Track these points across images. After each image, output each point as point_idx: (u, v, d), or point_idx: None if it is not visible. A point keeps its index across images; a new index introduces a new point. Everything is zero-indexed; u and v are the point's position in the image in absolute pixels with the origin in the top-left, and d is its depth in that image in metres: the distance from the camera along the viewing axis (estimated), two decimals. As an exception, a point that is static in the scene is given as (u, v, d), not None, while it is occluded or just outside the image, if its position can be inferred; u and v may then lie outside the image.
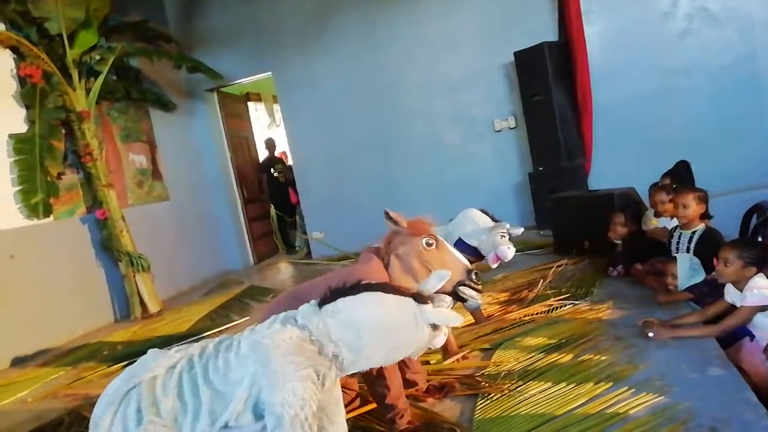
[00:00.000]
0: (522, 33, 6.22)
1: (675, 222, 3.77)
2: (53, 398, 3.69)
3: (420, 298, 1.72)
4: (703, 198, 3.45)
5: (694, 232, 3.42)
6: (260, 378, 1.55)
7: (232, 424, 1.56)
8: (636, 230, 4.14)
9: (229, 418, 1.55)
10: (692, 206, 3.41)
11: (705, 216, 3.50)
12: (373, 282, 1.79)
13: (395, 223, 2.33)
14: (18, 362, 4.75)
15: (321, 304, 1.72)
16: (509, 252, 2.95)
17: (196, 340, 1.90)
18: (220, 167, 8.04)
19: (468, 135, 6.83)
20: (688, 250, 3.42)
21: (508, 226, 2.93)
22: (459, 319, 1.71)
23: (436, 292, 2.19)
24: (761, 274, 2.64)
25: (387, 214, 2.34)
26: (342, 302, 1.69)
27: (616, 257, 4.17)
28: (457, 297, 2.31)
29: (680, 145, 5.84)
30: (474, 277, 2.27)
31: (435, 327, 1.71)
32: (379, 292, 1.70)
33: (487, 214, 3.13)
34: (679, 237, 3.50)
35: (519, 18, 6.36)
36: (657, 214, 4.14)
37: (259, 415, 1.55)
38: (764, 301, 2.58)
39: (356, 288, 1.72)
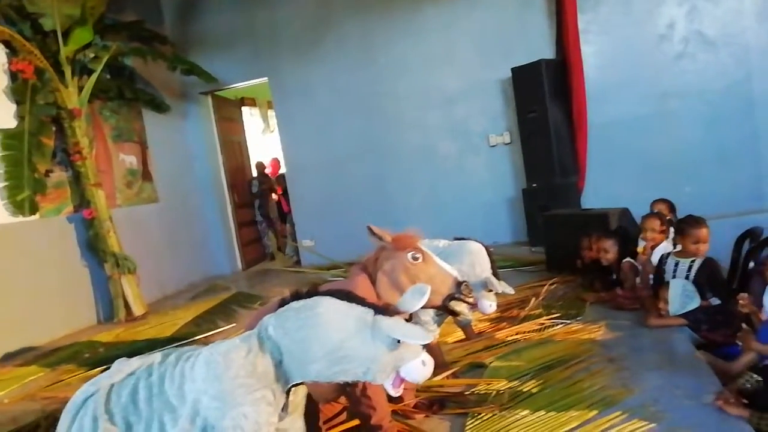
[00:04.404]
0: (519, 49, 6.23)
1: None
2: (30, 400, 3.59)
3: (386, 312, 1.58)
4: None
5: (693, 261, 3.31)
6: (209, 400, 1.50)
7: None
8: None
9: None
10: (708, 241, 3.29)
11: None
12: (334, 289, 1.68)
13: (379, 238, 2.27)
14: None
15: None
16: (490, 309, 2.91)
17: (179, 346, 1.84)
18: (212, 171, 7.97)
19: (463, 148, 6.83)
20: (687, 278, 3.31)
21: (500, 289, 2.87)
22: (426, 336, 1.52)
23: (423, 307, 2.14)
24: None
25: (370, 229, 2.26)
26: (293, 302, 1.63)
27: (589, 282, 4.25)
28: (447, 311, 2.26)
29: (673, 168, 5.89)
30: (464, 289, 2.21)
31: (403, 352, 1.53)
32: (334, 298, 1.60)
33: (488, 251, 3.03)
34: (676, 264, 3.39)
35: (517, 35, 6.38)
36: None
37: None
38: None
39: (314, 292, 1.65)
